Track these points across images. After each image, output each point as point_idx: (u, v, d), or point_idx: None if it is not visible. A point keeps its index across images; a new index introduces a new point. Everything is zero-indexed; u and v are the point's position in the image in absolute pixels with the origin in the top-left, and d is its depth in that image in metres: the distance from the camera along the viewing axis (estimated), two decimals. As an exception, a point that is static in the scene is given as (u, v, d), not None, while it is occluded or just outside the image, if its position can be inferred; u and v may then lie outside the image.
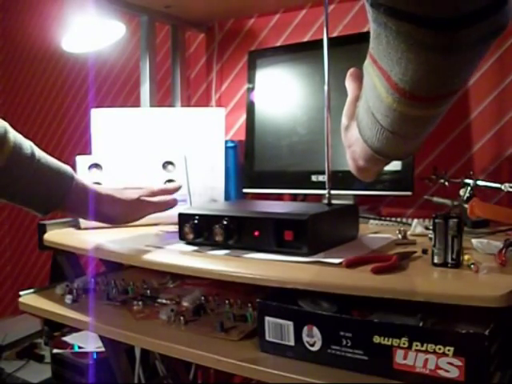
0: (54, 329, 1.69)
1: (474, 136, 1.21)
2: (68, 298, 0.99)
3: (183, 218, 0.87)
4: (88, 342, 1.49)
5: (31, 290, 1.07)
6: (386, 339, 0.62)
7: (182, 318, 0.84)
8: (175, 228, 0.90)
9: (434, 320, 0.64)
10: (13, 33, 2.33)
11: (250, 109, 1.36)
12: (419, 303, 0.60)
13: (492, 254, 0.72)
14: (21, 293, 1.05)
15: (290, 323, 0.70)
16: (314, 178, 1.23)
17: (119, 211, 0.92)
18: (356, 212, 0.93)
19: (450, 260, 0.68)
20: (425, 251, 0.76)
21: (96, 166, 1.13)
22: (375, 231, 0.99)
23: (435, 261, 0.69)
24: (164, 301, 0.95)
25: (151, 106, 1.47)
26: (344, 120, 0.65)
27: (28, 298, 1.04)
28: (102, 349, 1.35)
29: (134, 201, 0.93)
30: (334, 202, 0.88)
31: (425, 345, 0.60)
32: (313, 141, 1.23)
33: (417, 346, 0.60)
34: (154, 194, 0.99)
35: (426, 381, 0.60)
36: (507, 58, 1.17)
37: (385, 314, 0.67)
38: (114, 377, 1.27)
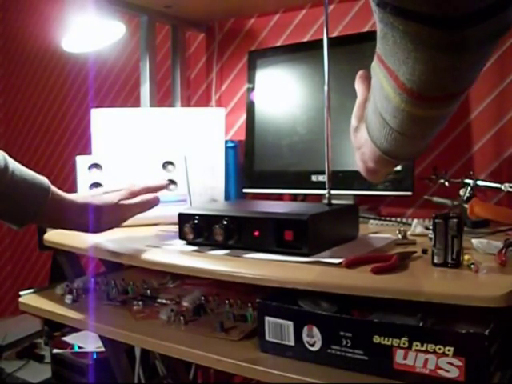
0: (54, 329, 1.68)
1: (474, 136, 1.21)
2: (68, 298, 0.99)
3: (183, 218, 0.87)
4: (88, 342, 1.48)
5: (31, 290, 1.07)
6: (386, 339, 0.62)
7: (181, 318, 0.84)
8: (175, 228, 0.90)
9: (434, 320, 0.65)
10: (13, 33, 2.33)
11: (250, 109, 1.36)
12: (419, 303, 0.60)
13: (492, 254, 0.72)
14: (21, 293, 1.05)
15: (290, 323, 0.70)
16: (313, 178, 1.23)
17: (98, 219, 0.87)
18: (356, 212, 0.93)
19: (450, 260, 0.68)
20: (425, 251, 0.76)
21: (96, 165, 1.13)
22: (375, 231, 0.99)
23: (435, 261, 0.69)
24: (164, 301, 0.95)
25: (151, 106, 1.47)
26: (353, 121, 0.65)
27: (28, 297, 1.04)
28: (102, 349, 1.35)
29: (112, 206, 0.89)
30: (334, 202, 0.88)
31: (425, 345, 0.60)
32: (313, 141, 1.23)
33: (417, 346, 0.60)
34: (134, 194, 0.94)
35: (426, 381, 0.60)
36: (507, 58, 1.16)
37: (385, 314, 0.67)
38: (114, 377, 1.27)
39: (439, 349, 0.59)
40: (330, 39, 0.85)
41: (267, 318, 0.72)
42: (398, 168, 1.11)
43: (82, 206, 0.85)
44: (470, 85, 0.46)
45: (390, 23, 0.40)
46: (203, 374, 1.65)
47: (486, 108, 1.19)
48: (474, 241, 0.78)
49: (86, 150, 1.45)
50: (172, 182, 1.17)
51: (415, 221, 0.98)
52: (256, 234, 0.80)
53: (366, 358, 0.64)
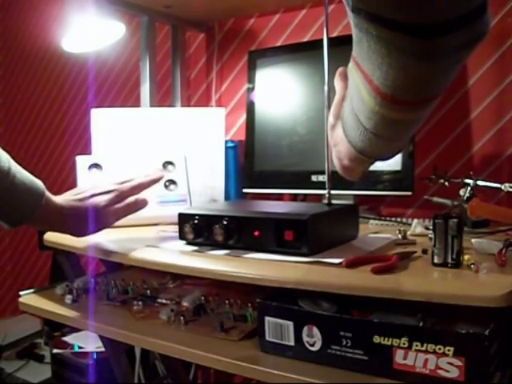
0: (54, 329, 1.68)
1: (474, 136, 1.21)
2: (68, 298, 0.99)
3: (183, 218, 0.87)
4: (88, 342, 1.48)
5: (31, 290, 1.07)
6: (386, 339, 0.62)
7: (182, 318, 0.84)
8: (175, 228, 0.90)
9: (434, 320, 0.64)
10: (13, 33, 2.33)
11: (250, 109, 1.36)
12: (419, 303, 0.60)
13: (492, 254, 0.72)
14: (21, 293, 1.05)
15: (290, 323, 0.70)
16: (314, 177, 1.23)
17: (83, 224, 0.87)
18: (356, 212, 0.93)
19: (450, 260, 0.68)
20: (425, 251, 0.76)
21: (96, 165, 1.13)
22: (375, 231, 0.99)
23: (435, 261, 0.69)
24: (164, 301, 0.95)
25: (151, 106, 1.47)
26: (331, 119, 0.66)
27: (28, 297, 1.04)
28: (102, 349, 1.34)
29: (98, 211, 0.88)
30: (334, 202, 0.88)
31: (425, 345, 0.60)
32: (313, 141, 1.23)
33: (417, 345, 0.60)
34: (123, 196, 0.92)
35: (426, 381, 0.60)
36: (507, 58, 1.17)
37: (385, 314, 0.67)
38: (114, 377, 1.27)
39: (439, 349, 0.59)
40: (329, 39, 0.85)
41: (267, 318, 0.72)
42: (398, 168, 1.11)
43: (68, 211, 0.85)
44: (442, 90, 0.47)
45: (364, 28, 0.41)
46: (203, 374, 1.65)
47: (486, 108, 1.19)
48: (473, 241, 0.78)
49: (86, 150, 1.45)
50: (172, 181, 1.17)
51: (415, 221, 0.98)
52: (256, 233, 0.80)
53: (365, 358, 0.64)
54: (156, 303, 0.94)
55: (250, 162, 1.35)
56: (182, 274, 0.82)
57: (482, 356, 0.57)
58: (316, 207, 0.89)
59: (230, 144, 1.37)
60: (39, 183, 0.82)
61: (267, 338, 0.72)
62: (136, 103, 1.65)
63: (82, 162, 1.13)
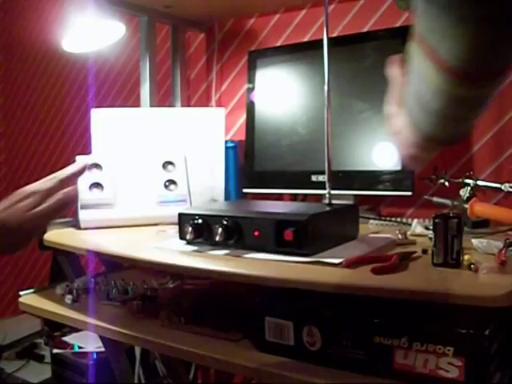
0: (54, 329, 1.68)
1: (474, 136, 1.21)
2: (68, 298, 0.99)
3: (183, 218, 0.87)
4: (88, 342, 1.48)
5: (31, 290, 1.07)
6: (386, 339, 0.62)
7: (182, 318, 0.84)
8: (175, 228, 0.90)
9: (434, 320, 0.64)
10: (13, 33, 2.33)
11: (250, 109, 1.36)
12: (419, 303, 0.60)
13: (492, 254, 0.72)
14: (21, 293, 1.05)
15: (290, 323, 0.70)
16: (313, 178, 1.23)
17: (8, 240, 0.79)
18: (356, 212, 0.93)
19: (450, 260, 0.68)
20: (425, 251, 0.76)
21: (96, 166, 1.13)
22: (375, 231, 0.99)
23: (435, 261, 0.69)
24: (164, 301, 0.95)
25: (151, 106, 1.47)
26: (389, 107, 0.63)
27: (28, 297, 1.04)
28: (102, 349, 1.34)
29: (21, 220, 0.79)
30: (334, 202, 0.88)
31: (425, 345, 0.60)
32: (313, 141, 1.23)
33: (417, 345, 0.60)
34: (50, 194, 0.83)
35: (426, 381, 0.60)
36: (507, 58, 1.16)
37: (385, 314, 0.67)
38: (114, 377, 1.27)
39: (439, 349, 0.59)
40: (329, 39, 0.85)
41: (267, 318, 0.72)
42: (398, 168, 1.11)
43: None
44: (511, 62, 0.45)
45: (430, 1, 0.40)
46: (203, 374, 1.65)
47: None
48: (474, 241, 0.78)
49: (86, 150, 1.45)
50: (172, 181, 1.17)
51: (415, 221, 0.98)
52: (256, 234, 0.80)
53: (365, 358, 0.64)
54: (156, 303, 0.94)
55: (250, 161, 1.35)
56: (182, 273, 0.82)
57: (482, 356, 0.57)
58: (316, 207, 0.89)
59: (230, 144, 1.37)
60: None
61: (267, 338, 0.72)
62: (136, 103, 1.65)
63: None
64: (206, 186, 1.26)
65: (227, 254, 0.81)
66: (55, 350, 1.54)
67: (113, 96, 1.92)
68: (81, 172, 0.88)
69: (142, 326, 0.86)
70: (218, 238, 0.81)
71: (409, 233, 0.91)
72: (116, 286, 1.03)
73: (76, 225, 1.10)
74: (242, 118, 1.51)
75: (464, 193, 1.02)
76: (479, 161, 1.21)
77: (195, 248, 0.85)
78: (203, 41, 1.66)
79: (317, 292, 0.66)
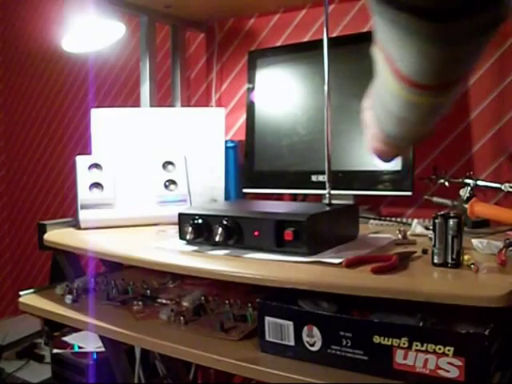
0: (54, 329, 1.68)
1: (474, 136, 1.21)
2: (68, 298, 0.99)
3: (183, 218, 0.87)
4: (88, 342, 1.48)
5: (31, 290, 1.07)
6: (386, 339, 0.62)
7: (182, 318, 0.84)
8: (175, 228, 0.90)
9: (434, 320, 0.64)
10: (13, 33, 2.33)
11: (250, 109, 1.36)
12: (419, 303, 0.60)
13: (492, 254, 0.72)
14: (21, 293, 1.05)
15: (290, 323, 0.70)
16: (313, 177, 1.23)
17: None
18: (356, 212, 0.93)
19: (450, 260, 0.68)
20: (425, 251, 0.76)
21: (96, 165, 1.13)
22: (375, 231, 0.99)
23: (435, 261, 0.69)
24: (164, 301, 0.95)
25: (151, 106, 1.47)
26: (365, 100, 0.64)
27: (28, 297, 1.04)
28: (102, 349, 1.35)
29: None
30: (334, 202, 0.88)
31: (425, 345, 0.60)
32: (313, 141, 1.23)
33: (417, 345, 0.60)
34: None
35: (425, 381, 0.60)
36: (507, 58, 1.16)
37: (385, 314, 0.67)
38: (114, 377, 1.27)
39: (439, 349, 0.59)
40: (329, 39, 0.85)
41: (267, 318, 0.72)
42: (398, 168, 1.11)
43: None
44: (464, 76, 0.46)
45: (382, 12, 0.41)
46: (203, 374, 1.65)
47: (486, 108, 1.19)
48: (474, 241, 0.78)
49: (86, 150, 1.45)
50: (172, 181, 1.17)
51: (415, 221, 0.98)
52: (256, 233, 0.80)
53: (365, 358, 0.64)
54: (156, 303, 0.94)
55: (250, 161, 1.35)
56: (182, 274, 0.82)
57: (482, 356, 0.57)
58: (316, 207, 0.89)
59: (230, 144, 1.37)
60: None
61: (267, 338, 0.72)
62: (136, 103, 1.65)
63: (81, 161, 1.13)
64: (206, 185, 1.26)
65: (227, 254, 0.81)
66: (55, 350, 1.54)
67: (113, 96, 1.92)
68: None
69: (142, 326, 0.86)
70: (218, 238, 0.81)
71: (409, 233, 0.91)
72: (116, 285, 1.03)
73: (76, 225, 1.11)
74: (242, 118, 1.51)
75: (464, 193, 1.02)
76: (479, 161, 1.21)
77: (195, 248, 0.85)
78: (203, 41, 1.66)
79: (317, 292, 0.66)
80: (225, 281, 0.74)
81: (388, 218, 1.10)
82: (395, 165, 1.12)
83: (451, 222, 0.68)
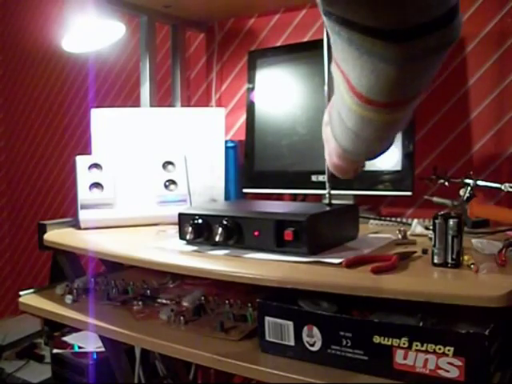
0: (54, 329, 1.68)
1: (474, 136, 1.21)
2: (68, 298, 0.99)
3: (183, 218, 0.87)
4: (88, 342, 1.48)
5: (31, 290, 1.07)
6: (386, 339, 0.62)
7: (182, 318, 0.84)
8: (175, 228, 0.90)
9: (434, 320, 0.64)
10: (13, 32, 2.33)
11: (250, 109, 1.36)
12: (419, 303, 0.60)
13: (492, 254, 0.72)
14: (21, 293, 1.05)
15: (290, 323, 0.70)
16: (314, 177, 1.23)
17: None
18: (356, 212, 0.93)
19: (450, 260, 0.68)
20: (425, 251, 0.76)
21: (96, 165, 1.13)
22: (375, 231, 0.99)
23: (435, 261, 0.69)
24: (164, 301, 0.95)
25: (151, 106, 1.47)
26: (325, 116, 0.66)
27: (28, 297, 1.04)
28: (102, 349, 1.35)
29: None
30: (334, 202, 0.88)
31: (425, 345, 0.60)
32: (313, 141, 1.23)
33: (417, 345, 0.60)
34: None
35: (425, 381, 0.60)
36: (507, 58, 1.16)
37: (385, 314, 0.67)
38: (114, 377, 1.27)
39: (439, 349, 0.59)
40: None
41: (267, 318, 0.72)
42: (398, 168, 1.11)
43: None
44: (417, 94, 0.47)
45: (336, 31, 0.41)
46: (203, 374, 1.65)
47: (486, 108, 1.19)
48: (474, 241, 0.78)
49: (86, 149, 1.45)
50: (172, 181, 1.17)
51: (415, 221, 0.98)
52: (256, 233, 0.80)
53: (365, 358, 0.64)
54: (156, 303, 0.95)
55: (250, 161, 1.35)
56: (182, 273, 0.82)
57: (482, 356, 0.57)
58: (316, 207, 0.89)
59: (230, 144, 1.37)
60: None
61: (267, 337, 0.72)
62: (136, 103, 1.65)
63: (82, 161, 1.13)
64: (206, 185, 1.26)
65: (227, 254, 0.81)
66: (55, 350, 1.54)
67: (113, 96, 1.92)
68: None
69: (142, 326, 0.86)
70: (218, 238, 0.81)
71: (409, 233, 0.91)
72: (116, 285, 1.03)
73: (76, 225, 1.11)
74: (242, 118, 1.51)
75: (464, 193, 1.02)
76: (479, 161, 1.21)
77: (195, 248, 0.85)
78: (203, 41, 1.66)
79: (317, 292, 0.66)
80: (225, 281, 0.74)
81: (388, 218, 1.10)
82: (395, 165, 1.12)
83: (451, 221, 0.68)
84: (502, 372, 0.61)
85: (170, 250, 0.86)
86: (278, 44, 1.48)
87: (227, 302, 0.88)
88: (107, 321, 0.89)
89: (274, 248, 0.78)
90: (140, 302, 0.94)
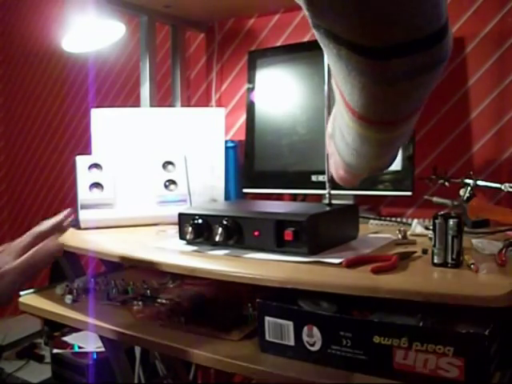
0: (54, 329, 1.68)
1: (474, 136, 1.21)
2: (68, 298, 0.99)
3: (183, 218, 0.87)
4: (88, 342, 1.48)
5: (31, 290, 1.07)
6: (386, 339, 0.62)
7: (182, 318, 0.84)
8: (175, 228, 0.90)
9: (434, 320, 0.64)
10: (13, 33, 2.33)
11: (250, 109, 1.36)
12: (419, 303, 0.60)
13: (492, 254, 0.72)
14: (21, 293, 1.05)
15: (290, 323, 0.70)
16: (313, 177, 1.23)
17: None
18: (356, 212, 0.93)
19: (450, 260, 0.68)
20: (425, 251, 0.76)
21: (96, 165, 1.13)
22: (375, 231, 0.99)
23: (435, 261, 0.69)
24: (164, 301, 0.95)
25: (151, 106, 1.47)
26: (329, 128, 0.65)
27: (28, 297, 1.04)
28: (102, 349, 1.35)
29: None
30: (334, 202, 0.88)
31: (425, 345, 0.60)
32: (313, 141, 1.23)
33: (417, 346, 0.60)
34: (24, 250, 0.71)
35: (425, 381, 0.60)
36: (507, 58, 1.17)
37: (385, 314, 0.67)
38: (114, 377, 1.27)
39: (439, 349, 0.59)
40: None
41: (267, 318, 0.72)
42: (398, 168, 1.11)
43: None
44: (411, 113, 0.45)
45: (326, 45, 0.39)
46: (203, 374, 1.65)
47: (486, 108, 1.19)
48: (474, 241, 0.78)
49: (86, 149, 1.44)
50: (172, 181, 1.17)
51: (415, 221, 0.98)
52: (256, 233, 0.80)
53: (365, 358, 0.64)
54: (156, 303, 0.94)
55: (250, 161, 1.35)
56: (182, 274, 0.82)
57: (482, 356, 0.57)
58: (316, 207, 0.89)
59: (230, 144, 1.37)
60: None
61: (267, 337, 0.72)
62: (136, 103, 1.65)
63: (82, 161, 1.13)
64: (206, 185, 1.26)
65: (227, 254, 0.81)
66: (55, 350, 1.54)
67: (113, 96, 1.92)
68: (60, 224, 0.79)
69: (142, 325, 0.86)
70: (217, 238, 0.81)
71: (409, 233, 0.91)
72: (116, 285, 1.03)
73: (76, 225, 1.10)
74: (242, 118, 1.51)
75: (464, 193, 1.02)
76: (479, 161, 1.21)
77: (195, 248, 0.85)
78: (203, 41, 1.66)
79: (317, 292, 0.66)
80: (225, 281, 0.74)
81: (388, 218, 1.10)
82: (395, 165, 1.11)
83: (451, 221, 0.68)
84: (501, 372, 0.61)
85: (170, 250, 0.86)
86: (278, 44, 1.48)
87: (227, 302, 0.88)
88: (107, 321, 0.89)
89: (274, 248, 0.78)
90: (140, 302, 0.94)
